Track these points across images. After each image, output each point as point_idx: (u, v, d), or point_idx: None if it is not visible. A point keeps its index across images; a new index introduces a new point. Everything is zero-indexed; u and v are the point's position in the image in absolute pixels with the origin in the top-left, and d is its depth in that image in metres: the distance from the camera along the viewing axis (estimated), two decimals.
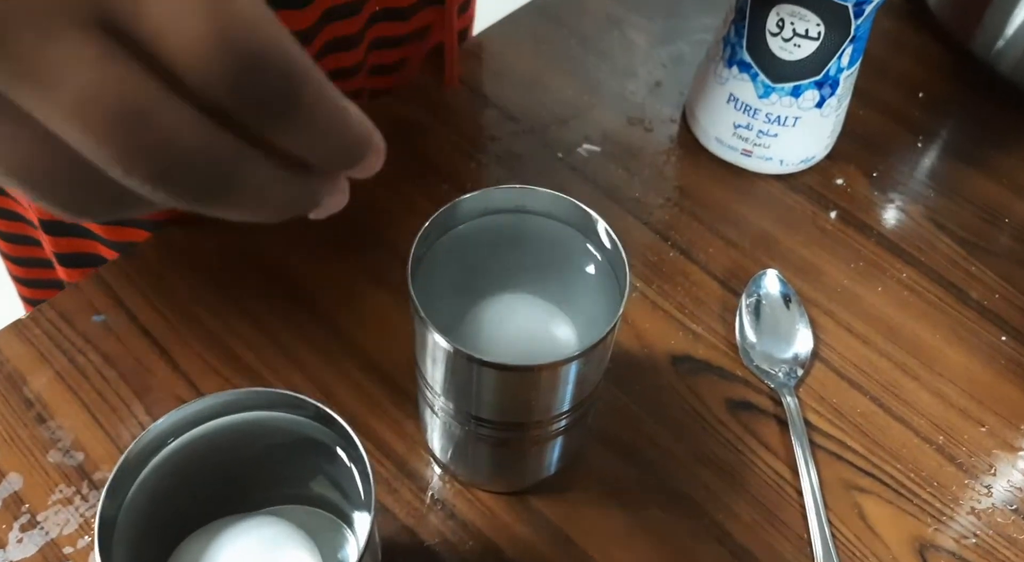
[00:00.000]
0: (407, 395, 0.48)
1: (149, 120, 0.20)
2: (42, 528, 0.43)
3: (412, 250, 0.37)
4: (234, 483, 0.36)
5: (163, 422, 0.31)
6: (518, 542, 0.44)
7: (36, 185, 0.21)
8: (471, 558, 0.43)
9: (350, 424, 0.46)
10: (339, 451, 0.34)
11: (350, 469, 0.34)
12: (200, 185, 0.21)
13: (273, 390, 0.33)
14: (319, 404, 0.33)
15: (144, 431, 0.31)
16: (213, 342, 0.49)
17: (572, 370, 0.37)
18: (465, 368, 0.36)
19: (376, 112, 0.60)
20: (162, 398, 0.47)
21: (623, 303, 0.36)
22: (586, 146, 0.59)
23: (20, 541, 0.43)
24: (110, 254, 0.59)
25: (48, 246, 0.61)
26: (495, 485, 0.45)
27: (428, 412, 0.42)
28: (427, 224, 0.38)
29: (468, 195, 0.39)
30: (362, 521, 0.35)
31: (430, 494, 0.45)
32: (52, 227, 0.59)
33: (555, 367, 0.36)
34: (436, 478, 0.46)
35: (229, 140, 0.21)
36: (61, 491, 0.44)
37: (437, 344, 0.36)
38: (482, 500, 0.45)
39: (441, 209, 0.38)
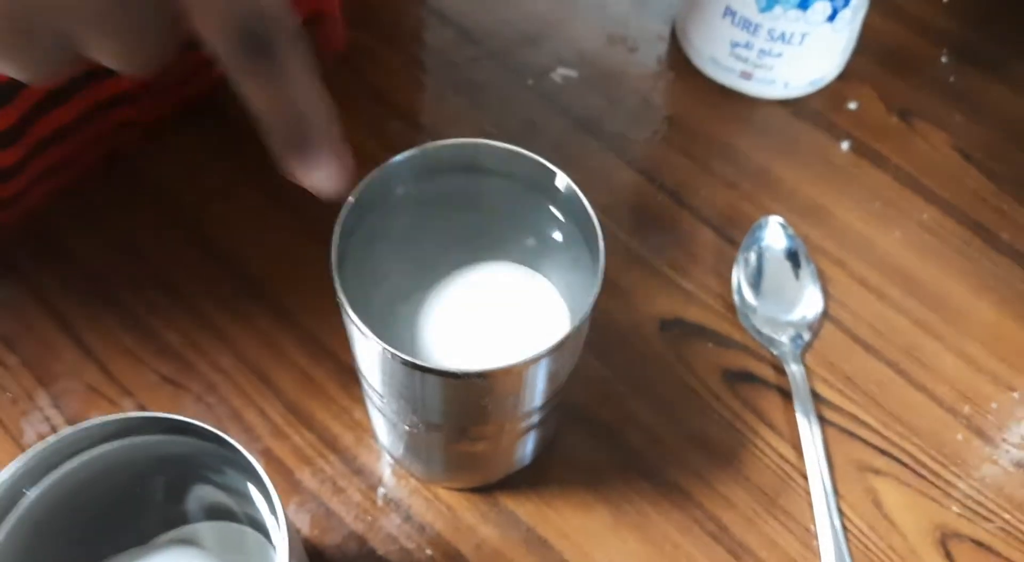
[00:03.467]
0: (356, 377, 0.41)
1: None
2: None
3: (338, 225, 0.30)
4: (126, 511, 0.30)
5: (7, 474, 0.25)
6: (484, 546, 0.38)
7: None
8: None
9: (290, 411, 0.41)
10: (231, 468, 0.28)
11: (251, 485, 0.28)
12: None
13: (139, 415, 0.26)
14: (203, 425, 0.26)
15: None
16: (129, 318, 0.42)
17: (539, 369, 0.30)
18: (406, 373, 0.29)
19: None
20: (71, 388, 0.41)
21: (596, 290, 0.29)
22: (560, 70, 0.51)
23: None
24: None
25: None
26: (456, 482, 0.39)
27: (372, 408, 0.36)
28: (353, 195, 0.30)
29: (403, 155, 0.31)
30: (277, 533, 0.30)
31: (382, 493, 0.39)
32: None
33: (515, 371, 0.29)
34: (389, 473, 0.40)
35: None
36: None
37: (370, 346, 0.29)
38: (442, 498, 0.39)
39: (369, 175, 0.31)
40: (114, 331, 0.42)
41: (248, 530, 0.33)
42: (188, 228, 0.45)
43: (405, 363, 0.28)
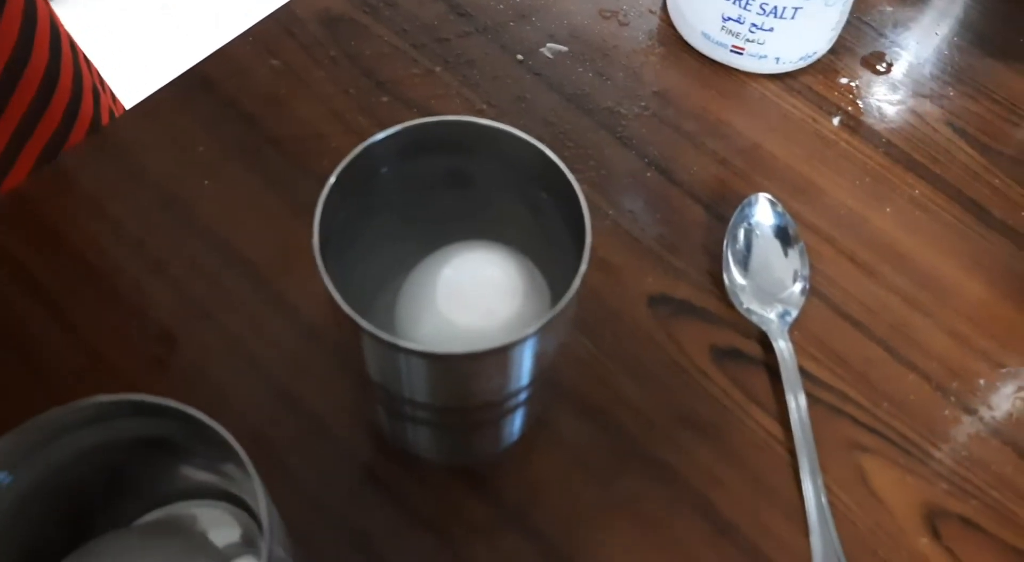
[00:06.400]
0: (345, 358, 0.41)
1: None
2: None
3: (320, 204, 0.30)
4: (107, 494, 0.30)
5: None
6: (468, 524, 0.38)
7: None
8: (414, 544, 0.38)
9: (278, 392, 0.41)
10: (211, 447, 0.28)
11: (230, 461, 0.28)
12: None
13: (115, 398, 0.26)
14: (178, 406, 0.26)
15: None
16: (114, 299, 0.42)
17: (526, 350, 0.30)
18: (390, 355, 0.29)
19: (299, 4, 0.52)
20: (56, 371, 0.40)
21: (583, 268, 0.29)
22: (551, 46, 0.51)
23: None
24: None
25: None
26: (444, 460, 0.39)
27: (361, 387, 0.36)
28: (335, 174, 0.30)
29: (385, 133, 0.31)
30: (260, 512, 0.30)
31: (370, 472, 0.39)
32: None
33: (500, 352, 0.29)
34: (377, 453, 0.40)
35: None
36: None
37: (355, 327, 0.29)
38: (430, 477, 0.39)
39: (350, 153, 0.30)
40: (99, 312, 0.42)
41: (232, 509, 0.33)
42: (174, 206, 0.44)
43: (389, 345, 0.28)
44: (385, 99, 0.48)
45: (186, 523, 0.32)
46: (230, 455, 0.27)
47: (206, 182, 0.45)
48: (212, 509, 0.33)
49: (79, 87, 0.53)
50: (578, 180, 0.31)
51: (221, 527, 0.33)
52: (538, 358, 0.31)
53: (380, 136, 0.31)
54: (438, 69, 0.50)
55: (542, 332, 0.29)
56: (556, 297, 0.33)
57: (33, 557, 0.29)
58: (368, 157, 0.31)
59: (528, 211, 0.34)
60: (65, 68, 0.52)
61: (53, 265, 0.43)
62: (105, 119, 0.56)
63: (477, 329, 0.31)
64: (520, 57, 0.50)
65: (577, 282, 0.29)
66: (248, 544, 0.33)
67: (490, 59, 0.50)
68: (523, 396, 0.34)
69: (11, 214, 0.44)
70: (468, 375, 0.30)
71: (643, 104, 0.49)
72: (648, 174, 0.47)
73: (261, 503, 0.26)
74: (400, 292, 0.33)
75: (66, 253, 0.43)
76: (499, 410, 0.34)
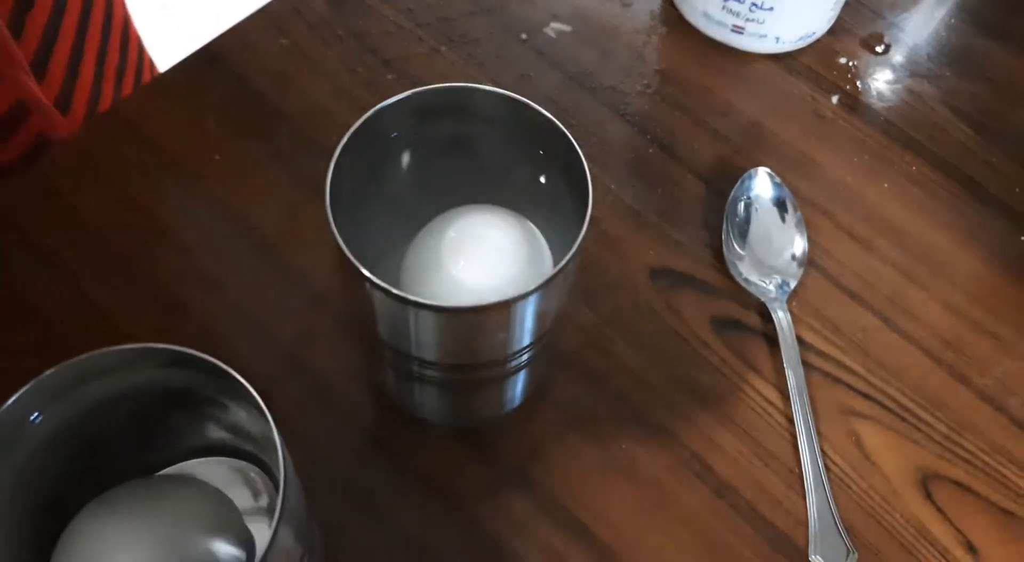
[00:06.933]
0: (351, 323, 0.42)
1: None
2: None
3: (332, 165, 0.31)
4: (129, 444, 0.31)
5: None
6: (472, 485, 0.39)
7: None
8: (417, 504, 0.39)
9: (285, 356, 0.42)
10: (231, 402, 0.29)
11: (249, 417, 0.29)
12: None
13: (140, 347, 0.27)
14: (201, 356, 0.27)
15: None
16: (131, 271, 0.43)
17: (528, 306, 0.31)
18: (400, 311, 0.30)
19: None
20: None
21: (583, 233, 0.30)
22: (554, 25, 0.52)
23: None
24: None
25: None
26: (448, 422, 0.40)
27: (368, 349, 0.37)
28: (344, 139, 0.31)
29: (394, 98, 0.32)
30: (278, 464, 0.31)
31: (376, 435, 0.40)
32: None
33: (505, 307, 0.30)
34: (383, 416, 0.41)
35: None
36: None
37: (365, 285, 0.30)
38: (435, 440, 0.40)
39: (360, 118, 0.31)
40: (112, 282, 0.43)
41: (249, 466, 0.34)
42: (185, 179, 0.46)
43: (399, 299, 0.29)
44: (391, 77, 0.49)
45: (205, 477, 0.33)
46: (249, 408, 0.28)
47: (216, 156, 0.46)
48: (231, 466, 0.34)
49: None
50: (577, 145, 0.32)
51: (239, 483, 0.34)
52: (540, 317, 0.32)
53: (391, 100, 0.32)
54: (443, 48, 0.51)
55: (545, 289, 0.30)
56: (558, 263, 0.34)
57: (60, 503, 0.30)
58: (379, 121, 0.32)
59: (531, 178, 0.35)
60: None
61: (66, 236, 0.44)
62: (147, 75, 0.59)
63: (482, 288, 0.32)
64: (524, 36, 0.51)
65: (580, 238, 0.30)
66: (264, 501, 0.34)
67: (494, 38, 0.51)
68: (526, 357, 0.35)
69: (25, 186, 0.45)
70: (474, 330, 0.31)
71: (645, 82, 0.50)
72: (650, 151, 0.48)
73: (278, 450, 0.27)
74: (405, 256, 0.34)
75: (79, 225, 0.44)
76: (503, 370, 0.35)
